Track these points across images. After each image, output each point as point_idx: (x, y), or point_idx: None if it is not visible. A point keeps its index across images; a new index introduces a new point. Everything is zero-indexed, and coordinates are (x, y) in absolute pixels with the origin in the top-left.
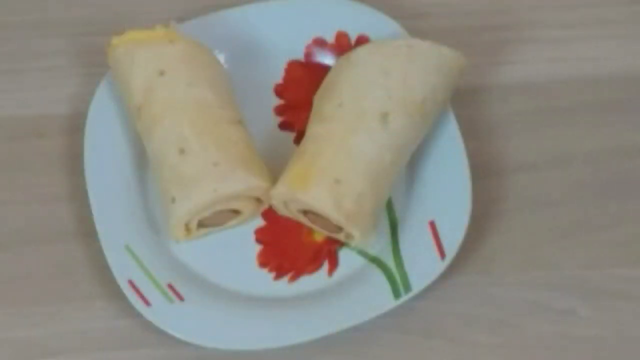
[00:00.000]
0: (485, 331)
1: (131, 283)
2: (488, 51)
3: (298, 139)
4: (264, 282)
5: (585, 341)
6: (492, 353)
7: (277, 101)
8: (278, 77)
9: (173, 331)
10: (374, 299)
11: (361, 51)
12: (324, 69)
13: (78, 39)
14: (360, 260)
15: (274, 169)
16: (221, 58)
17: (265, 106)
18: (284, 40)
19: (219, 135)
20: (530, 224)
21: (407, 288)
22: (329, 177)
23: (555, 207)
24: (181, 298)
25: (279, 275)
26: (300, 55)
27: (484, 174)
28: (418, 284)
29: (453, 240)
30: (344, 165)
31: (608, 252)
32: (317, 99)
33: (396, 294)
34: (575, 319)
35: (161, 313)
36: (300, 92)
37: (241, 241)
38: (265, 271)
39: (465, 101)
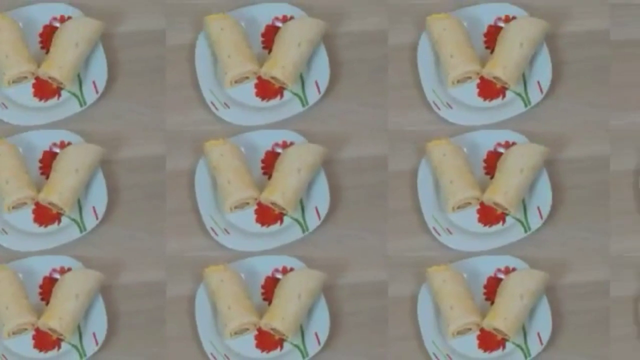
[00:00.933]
0: (348, 242)
1: (212, 229)
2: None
3: (269, 179)
4: (260, 227)
5: None
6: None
7: (262, 165)
8: (262, 156)
9: (226, 244)
10: (297, 232)
11: (290, 149)
12: (278, 154)
13: (193, 145)
14: (290, 220)
15: (261, 188)
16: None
17: (259, 168)
18: (265, 144)
19: (242, 177)
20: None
21: (307, 230)
22: (280, 192)
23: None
24: (229, 233)
25: (264, 224)
26: (270, 149)
27: (337, 185)
28: (312, 226)
29: (324, 210)
30: (285, 188)
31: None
32: (276, 165)
33: (304, 230)
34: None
35: (224, 239)
36: (271, 163)
37: (250, 213)
38: (260, 225)
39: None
